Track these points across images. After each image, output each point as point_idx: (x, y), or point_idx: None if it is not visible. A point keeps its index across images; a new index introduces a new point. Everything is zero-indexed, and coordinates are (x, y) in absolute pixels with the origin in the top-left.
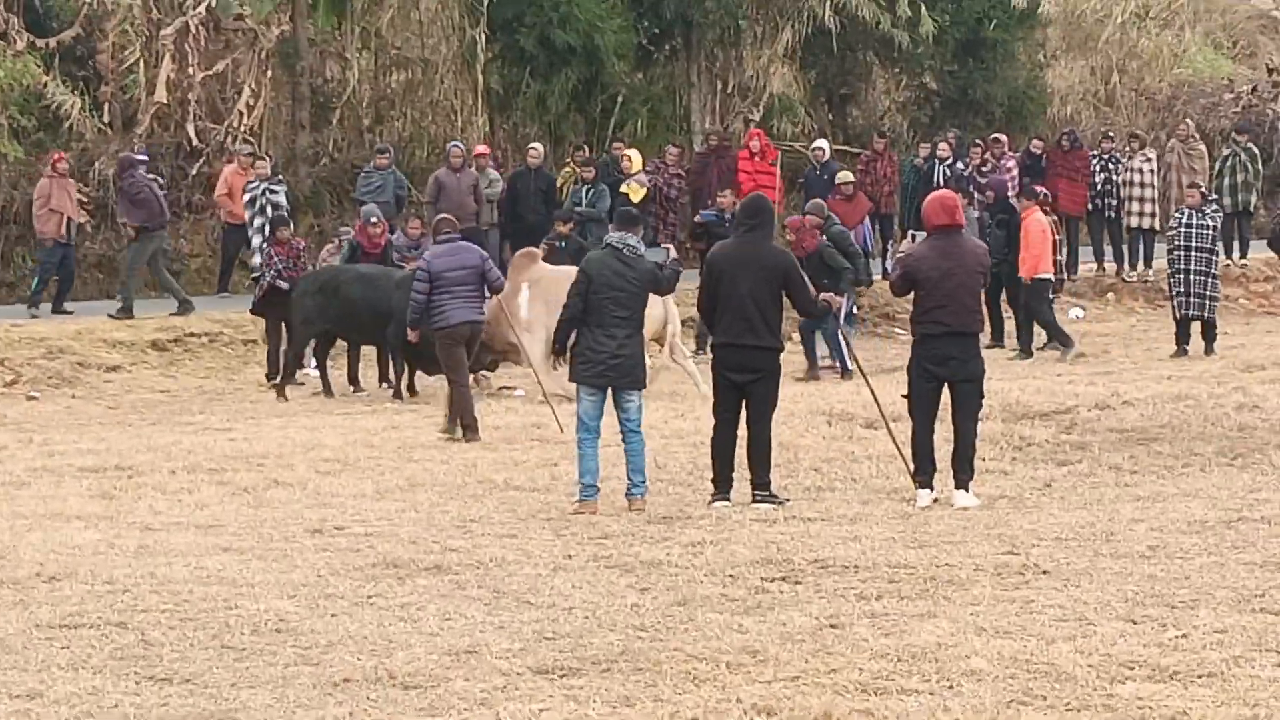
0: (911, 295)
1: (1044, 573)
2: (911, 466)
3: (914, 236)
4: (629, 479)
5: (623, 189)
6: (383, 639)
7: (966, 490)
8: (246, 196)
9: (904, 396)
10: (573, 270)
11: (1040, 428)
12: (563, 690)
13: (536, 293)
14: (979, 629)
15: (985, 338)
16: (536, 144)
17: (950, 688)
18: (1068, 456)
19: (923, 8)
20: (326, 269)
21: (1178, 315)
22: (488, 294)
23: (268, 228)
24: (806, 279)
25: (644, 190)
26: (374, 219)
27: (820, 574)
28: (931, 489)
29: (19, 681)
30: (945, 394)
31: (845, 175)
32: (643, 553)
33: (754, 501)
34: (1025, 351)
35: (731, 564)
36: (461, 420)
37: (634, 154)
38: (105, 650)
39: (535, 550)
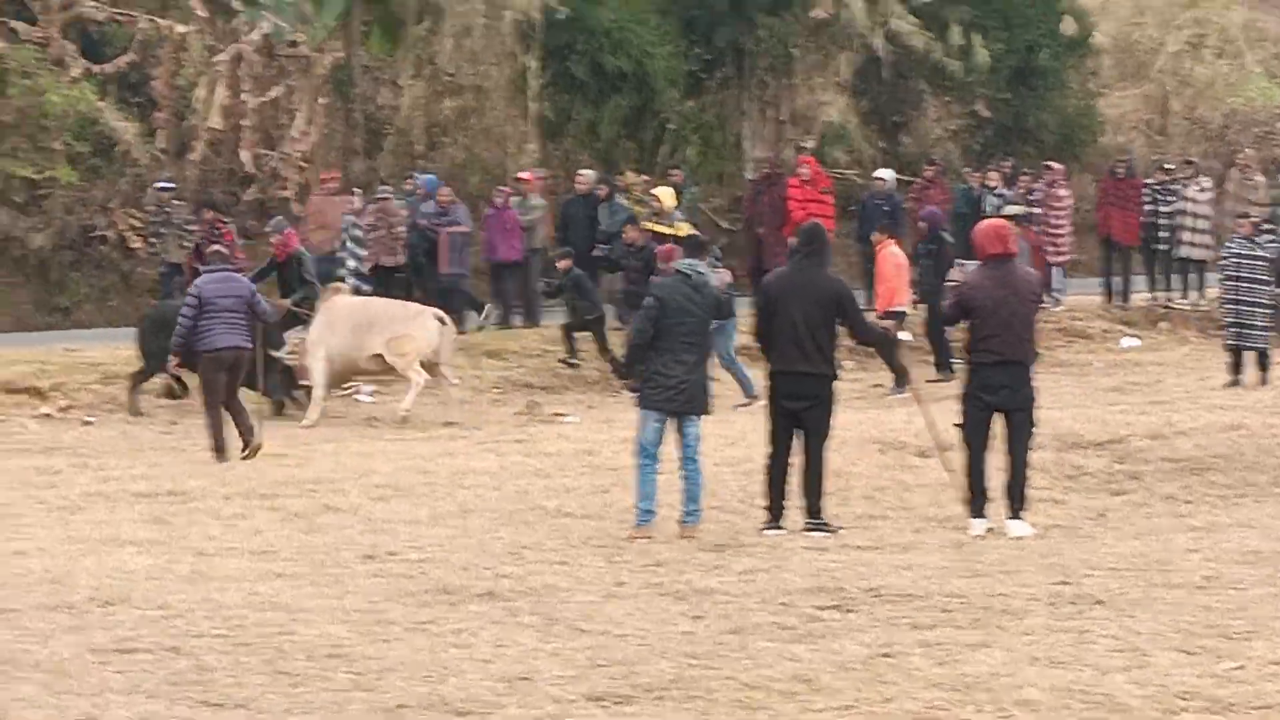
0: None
1: (1098, 603)
2: (965, 495)
3: (963, 266)
4: (684, 506)
5: (653, 194)
6: (436, 665)
7: (1020, 519)
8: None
9: (957, 425)
10: (363, 301)
11: (1093, 457)
12: (615, 718)
13: (326, 318)
14: (1033, 659)
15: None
16: (586, 170)
17: (1005, 718)
18: (1121, 486)
19: (975, 36)
20: None
21: (1230, 345)
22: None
23: (350, 262)
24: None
25: (674, 196)
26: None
27: (873, 602)
28: (985, 518)
29: (75, 706)
30: (998, 423)
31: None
32: (695, 580)
33: (806, 529)
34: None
35: (784, 592)
36: (212, 442)
37: (663, 192)
38: (160, 675)
39: (587, 577)
